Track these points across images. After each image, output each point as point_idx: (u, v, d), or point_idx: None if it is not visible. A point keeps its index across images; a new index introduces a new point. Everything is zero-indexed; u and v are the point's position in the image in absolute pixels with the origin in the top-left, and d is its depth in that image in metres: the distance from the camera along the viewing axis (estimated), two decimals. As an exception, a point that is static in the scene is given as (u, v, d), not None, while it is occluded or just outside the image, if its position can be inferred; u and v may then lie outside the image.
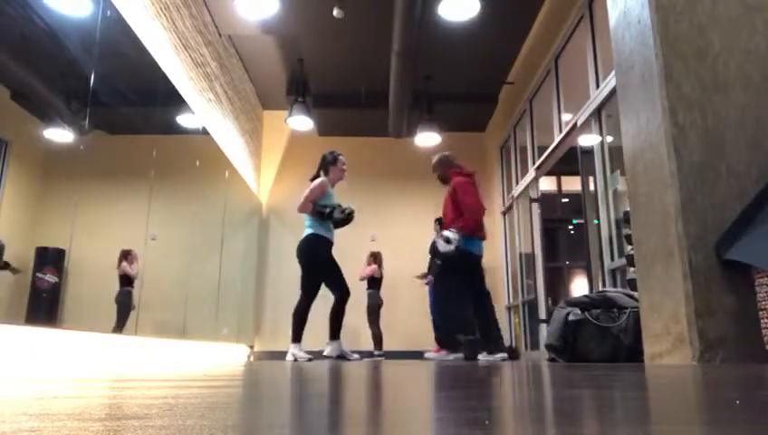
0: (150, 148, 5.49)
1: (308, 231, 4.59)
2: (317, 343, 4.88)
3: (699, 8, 3.08)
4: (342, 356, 4.56)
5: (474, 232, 4.54)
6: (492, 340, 4.45)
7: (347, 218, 4.62)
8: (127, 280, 5.32)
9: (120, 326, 5.10)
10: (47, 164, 4.05)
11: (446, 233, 4.50)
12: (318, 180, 4.69)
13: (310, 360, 4.38)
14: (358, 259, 8.12)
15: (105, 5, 4.38)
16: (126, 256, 5.32)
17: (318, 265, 4.53)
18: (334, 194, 4.78)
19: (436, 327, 6.35)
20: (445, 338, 4.65)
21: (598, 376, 1.70)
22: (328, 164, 4.79)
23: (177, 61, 5.95)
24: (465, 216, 4.53)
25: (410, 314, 8.68)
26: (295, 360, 4.39)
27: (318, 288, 4.56)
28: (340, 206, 4.64)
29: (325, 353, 4.56)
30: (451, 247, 4.43)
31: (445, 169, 4.86)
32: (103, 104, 4.51)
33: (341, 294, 4.54)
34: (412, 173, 9.40)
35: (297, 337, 4.46)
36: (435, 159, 4.96)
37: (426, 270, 7.53)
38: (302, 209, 4.61)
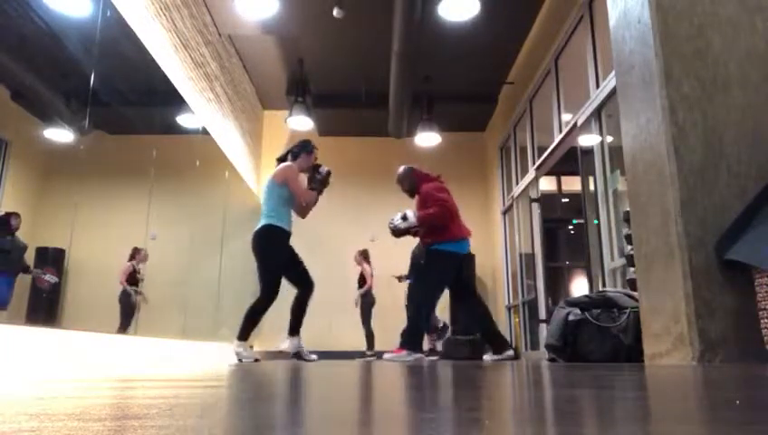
0: (150, 148, 5.49)
1: (264, 221, 4.19)
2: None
3: (699, 8, 3.08)
4: (299, 355, 4.27)
5: (447, 229, 4.35)
6: (500, 340, 4.37)
7: (325, 183, 4.40)
8: (131, 279, 5.33)
9: (123, 326, 5.11)
10: (47, 164, 4.05)
11: (407, 211, 4.40)
12: (290, 166, 4.32)
13: (257, 361, 4.14)
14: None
15: (105, 5, 4.38)
16: (133, 255, 5.33)
17: (276, 259, 4.17)
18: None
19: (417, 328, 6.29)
20: (413, 337, 4.29)
21: (598, 376, 1.70)
22: (302, 152, 4.42)
23: (176, 61, 5.95)
24: (431, 207, 4.33)
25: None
26: (240, 360, 4.14)
27: (279, 286, 4.17)
28: (318, 172, 4.40)
29: (282, 348, 4.32)
30: (401, 225, 4.35)
31: (412, 182, 4.58)
32: (103, 104, 4.51)
33: (306, 287, 4.24)
34: (412, 173, 9.39)
35: (244, 335, 4.11)
36: (400, 172, 4.64)
37: (406, 272, 7.50)
38: (306, 212, 4.40)
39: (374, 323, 7.92)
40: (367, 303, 7.92)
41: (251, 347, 4.27)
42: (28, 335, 3.38)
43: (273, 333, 9.21)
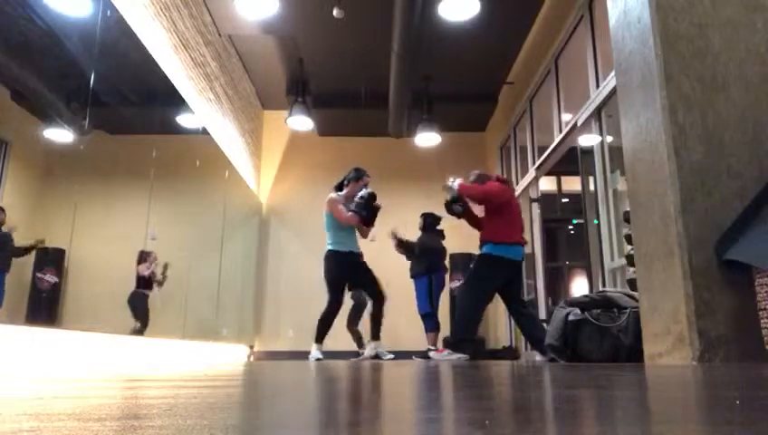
0: (150, 148, 5.49)
1: (326, 247, 4.75)
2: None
3: (699, 8, 3.08)
4: (377, 356, 4.82)
5: (501, 231, 4.37)
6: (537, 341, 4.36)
7: (367, 204, 4.66)
8: (142, 282, 5.35)
9: (136, 327, 5.14)
10: (47, 164, 4.05)
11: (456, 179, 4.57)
12: (330, 197, 4.81)
13: (318, 360, 4.59)
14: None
15: (105, 5, 4.38)
16: (144, 258, 5.34)
17: (335, 277, 4.72)
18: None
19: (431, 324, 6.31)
20: (456, 338, 4.51)
21: (598, 376, 1.70)
22: (351, 180, 4.91)
23: (176, 61, 5.94)
24: (483, 188, 4.44)
25: (406, 313, 8.67)
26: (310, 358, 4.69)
27: (340, 298, 4.70)
28: (359, 196, 4.72)
29: (366, 353, 4.89)
30: (447, 195, 4.56)
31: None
32: (103, 104, 4.51)
33: (376, 299, 4.78)
34: (412, 173, 9.39)
35: (318, 339, 4.72)
36: (470, 178, 4.72)
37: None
38: (362, 233, 4.82)
39: (363, 324, 7.86)
40: (360, 304, 7.87)
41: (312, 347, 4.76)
42: (28, 335, 3.38)
43: (272, 335, 9.21)
